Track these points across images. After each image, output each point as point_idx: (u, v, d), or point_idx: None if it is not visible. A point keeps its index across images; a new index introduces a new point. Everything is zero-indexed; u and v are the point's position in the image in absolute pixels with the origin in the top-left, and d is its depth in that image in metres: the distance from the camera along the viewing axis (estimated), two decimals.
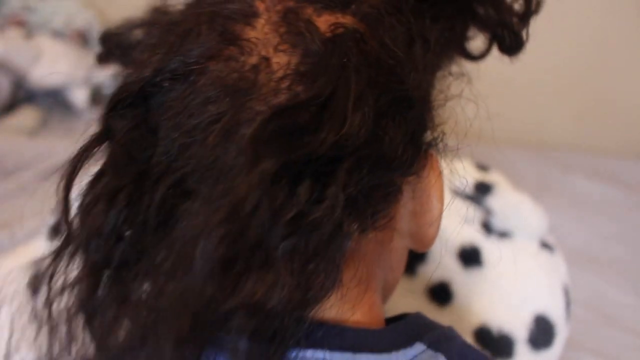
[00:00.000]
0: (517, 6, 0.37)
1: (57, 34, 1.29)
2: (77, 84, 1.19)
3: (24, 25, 1.28)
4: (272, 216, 0.24)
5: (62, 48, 1.23)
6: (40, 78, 1.17)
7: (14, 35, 1.21)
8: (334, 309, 0.30)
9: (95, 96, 1.23)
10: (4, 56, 1.14)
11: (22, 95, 1.23)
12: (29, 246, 0.65)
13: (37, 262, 0.29)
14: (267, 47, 0.29)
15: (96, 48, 1.35)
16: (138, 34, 0.41)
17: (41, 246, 0.61)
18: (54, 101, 1.23)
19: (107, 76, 1.22)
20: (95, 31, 1.33)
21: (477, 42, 0.40)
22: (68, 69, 1.18)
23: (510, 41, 0.38)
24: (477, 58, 0.40)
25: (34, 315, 0.28)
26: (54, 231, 0.62)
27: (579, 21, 1.10)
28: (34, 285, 0.30)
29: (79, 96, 1.19)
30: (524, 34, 0.38)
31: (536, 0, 0.37)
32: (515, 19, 0.37)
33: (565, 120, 1.26)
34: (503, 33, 0.37)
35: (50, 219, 0.63)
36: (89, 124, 0.31)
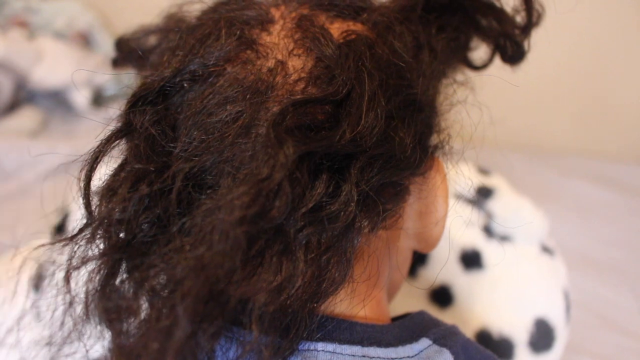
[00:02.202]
0: (519, 18, 0.39)
1: (59, 35, 1.29)
2: (79, 85, 1.19)
3: (26, 26, 1.28)
4: (292, 203, 0.25)
5: (63, 49, 1.23)
6: (43, 79, 1.17)
7: (16, 36, 1.22)
8: (344, 303, 0.31)
9: (97, 98, 1.23)
10: (5, 57, 1.14)
11: (24, 96, 1.23)
12: (31, 245, 0.65)
13: (44, 254, 0.29)
14: (282, 52, 0.30)
15: (97, 50, 1.35)
16: (152, 40, 0.42)
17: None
18: (55, 102, 1.23)
19: (108, 78, 1.22)
20: (97, 33, 1.33)
21: (480, 52, 0.41)
22: (69, 70, 1.18)
23: (512, 51, 0.39)
24: (479, 68, 0.42)
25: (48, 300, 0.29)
26: (58, 231, 0.62)
27: (578, 26, 1.10)
28: (36, 282, 0.31)
29: (80, 97, 1.19)
30: (525, 44, 0.39)
31: (537, 13, 0.39)
32: (517, 31, 0.38)
33: (565, 124, 1.26)
34: (505, 44, 0.39)
35: (54, 219, 0.63)
36: (92, 124, 0.31)
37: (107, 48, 1.30)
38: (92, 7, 1.38)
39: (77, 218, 0.29)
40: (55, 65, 1.18)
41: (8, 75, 1.16)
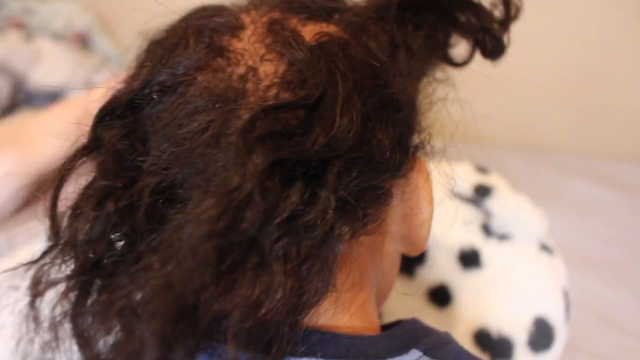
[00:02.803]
0: (497, 12, 0.38)
1: (57, 37, 1.29)
2: (77, 86, 1.19)
3: (24, 27, 1.28)
4: (265, 213, 0.24)
5: (61, 51, 1.23)
6: (41, 80, 1.17)
7: (13, 37, 1.22)
8: (328, 314, 0.30)
9: None
10: (3, 59, 1.14)
11: (22, 97, 1.23)
12: (27, 249, 0.65)
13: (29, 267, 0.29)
14: (253, 57, 0.29)
15: (95, 51, 1.35)
16: None
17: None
18: (53, 104, 1.23)
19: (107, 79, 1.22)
20: (95, 34, 1.33)
21: (460, 49, 0.40)
22: (67, 71, 1.18)
23: (492, 46, 0.38)
24: (460, 64, 0.41)
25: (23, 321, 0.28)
26: None
27: (577, 24, 1.10)
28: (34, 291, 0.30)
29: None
30: (505, 38, 0.38)
31: (515, 7, 0.38)
32: (495, 25, 0.38)
33: (564, 123, 1.26)
34: (484, 38, 0.38)
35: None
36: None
37: (105, 49, 1.30)
38: (90, 8, 1.38)
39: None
40: (53, 67, 1.18)
41: (6, 77, 1.16)
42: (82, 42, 1.32)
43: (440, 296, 0.59)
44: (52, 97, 1.24)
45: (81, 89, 1.17)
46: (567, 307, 0.60)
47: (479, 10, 0.37)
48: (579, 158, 1.15)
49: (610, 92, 1.22)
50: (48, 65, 1.18)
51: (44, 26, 1.29)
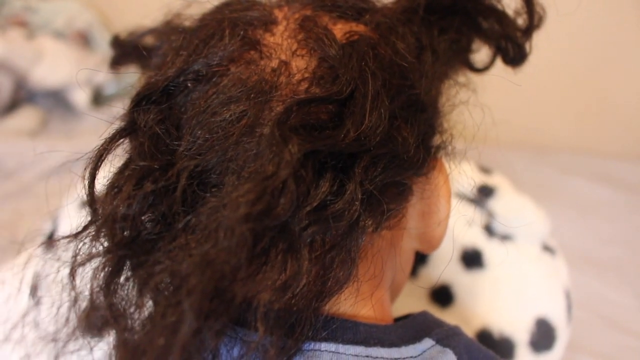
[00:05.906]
0: (521, 21, 0.39)
1: (58, 35, 1.29)
2: (79, 84, 1.19)
3: (26, 25, 1.28)
4: (297, 201, 0.25)
5: (63, 49, 1.23)
6: (42, 78, 1.17)
7: (15, 35, 1.21)
8: (348, 303, 0.31)
9: (96, 97, 1.23)
10: (5, 57, 1.14)
11: (23, 95, 1.23)
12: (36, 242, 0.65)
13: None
14: (286, 52, 0.30)
15: (97, 49, 1.35)
16: (149, 40, 0.42)
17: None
18: (54, 102, 1.23)
19: (108, 77, 1.22)
20: (96, 32, 1.33)
21: (482, 55, 0.41)
22: (69, 69, 1.18)
23: (514, 53, 0.39)
24: (480, 70, 0.42)
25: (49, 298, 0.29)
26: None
27: (579, 24, 1.10)
28: (32, 292, 0.31)
29: (80, 97, 1.19)
30: (527, 46, 0.39)
31: (539, 16, 0.39)
32: (518, 33, 0.38)
33: (566, 122, 1.26)
34: (507, 46, 0.39)
35: (47, 228, 0.62)
36: (91, 123, 0.32)
37: (106, 47, 1.30)
38: (92, 6, 1.38)
39: (68, 223, 0.29)
40: (54, 65, 1.18)
41: (7, 75, 1.16)
42: (84, 40, 1.32)
43: (443, 296, 0.59)
44: (53, 95, 1.24)
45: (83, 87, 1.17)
46: (569, 308, 0.60)
47: (502, 17, 0.38)
48: (580, 157, 1.15)
49: (612, 92, 1.23)
50: (49, 64, 1.18)
51: (45, 24, 1.29)
